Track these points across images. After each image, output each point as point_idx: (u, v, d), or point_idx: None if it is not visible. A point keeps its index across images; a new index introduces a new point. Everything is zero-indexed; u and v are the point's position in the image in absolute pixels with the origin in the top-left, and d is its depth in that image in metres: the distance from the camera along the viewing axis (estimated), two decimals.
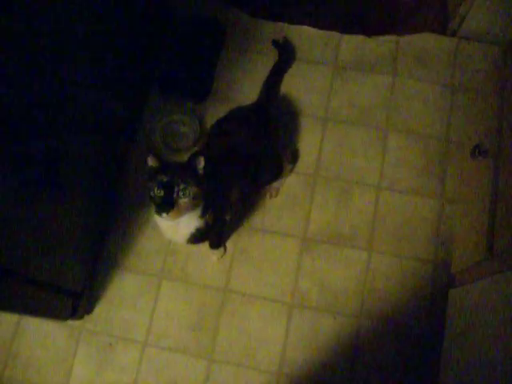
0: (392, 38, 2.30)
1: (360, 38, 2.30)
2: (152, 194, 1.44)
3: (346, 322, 1.96)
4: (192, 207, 1.48)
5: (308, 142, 2.17)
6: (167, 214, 1.42)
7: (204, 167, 1.47)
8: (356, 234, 2.05)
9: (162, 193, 1.42)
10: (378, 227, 2.06)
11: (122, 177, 2.14)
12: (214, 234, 1.82)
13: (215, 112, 2.19)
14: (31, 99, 1.39)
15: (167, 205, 1.42)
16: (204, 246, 1.96)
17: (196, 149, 2.08)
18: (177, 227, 1.57)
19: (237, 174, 1.74)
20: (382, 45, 2.29)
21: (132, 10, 1.99)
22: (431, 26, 2.31)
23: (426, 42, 2.29)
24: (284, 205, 2.09)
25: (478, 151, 1.76)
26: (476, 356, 1.53)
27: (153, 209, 1.45)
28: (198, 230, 1.59)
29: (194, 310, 2.00)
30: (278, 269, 2.03)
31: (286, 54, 2.24)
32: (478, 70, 2.23)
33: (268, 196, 2.10)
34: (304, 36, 2.32)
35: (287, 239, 2.05)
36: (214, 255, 2.04)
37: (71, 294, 1.87)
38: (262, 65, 2.26)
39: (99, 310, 2.01)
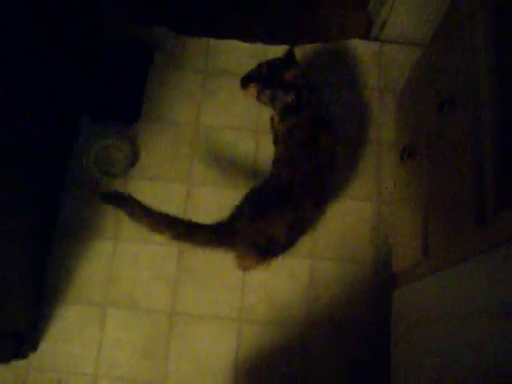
0: (317, 45, 2.33)
1: (286, 48, 2.32)
2: (253, 69, 1.99)
3: (295, 332, 1.97)
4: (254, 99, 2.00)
5: (243, 154, 2.17)
6: (242, 88, 1.99)
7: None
8: (297, 242, 2.06)
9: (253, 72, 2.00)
10: (318, 234, 2.08)
11: (56, 207, 2.09)
12: None
13: (148, 132, 2.17)
14: None
15: (243, 82, 1.99)
16: (151, 270, 1.96)
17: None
18: None
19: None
20: (307, 55, 2.31)
21: (57, 37, 1.94)
22: (355, 32, 2.35)
23: (351, 47, 2.33)
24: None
25: (406, 154, 1.80)
26: (421, 352, 1.57)
27: None
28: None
29: (142, 336, 1.97)
30: (223, 285, 2.02)
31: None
32: (402, 71, 2.28)
33: None
34: (231, 50, 2.32)
35: (228, 254, 2.04)
36: (169, 263, 2.04)
37: (11, 334, 1.82)
38: (192, 82, 2.26)
39: (44, 346, 1.96)
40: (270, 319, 1.99)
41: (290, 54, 1.96)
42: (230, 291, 2.01)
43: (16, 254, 1.81)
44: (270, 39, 2.33)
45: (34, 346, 1.94)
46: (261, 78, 1.89)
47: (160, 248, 2.03)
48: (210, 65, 2.30)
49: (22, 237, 1.84)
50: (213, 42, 2.33)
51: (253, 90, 1.90)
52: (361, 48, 2.33)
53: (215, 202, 2.10)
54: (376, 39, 2.33)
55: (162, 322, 1.98)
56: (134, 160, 2.13)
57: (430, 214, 1.61)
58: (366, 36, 2.35)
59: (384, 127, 2.22)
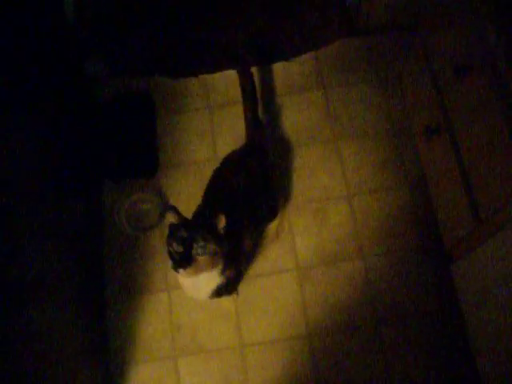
0: (309, 55, 2.37)
1: (280, 64, 2.36)
2: (171, 249, 1.44)
3: (368, 333, 1.96)
4: (211, 265, 1.48)
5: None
6: (184, 269, 1.42)
7: (225, 226, 1.47)
8: (344, 246, 2.07)
9: (180, 248, 1.42)
10: (361, 232, 2.09)
11: (103, 269, 2.10)
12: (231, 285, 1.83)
13: (172, 179, 2.20)
14: None
15: (185, 261, 1.42)
16: (209, 311, 1.99)
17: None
18: (198, 285, 1.57)
19: (245, 221, 1.71)
20: (302, 64, 2.35)
21: (58, 111, 1.98)
22: (341, 33, 2.39)
23: (341, 48, 2.37)
24: (268, 243, 2.10)
25: (429, 131, 1.82)
26: (500, 315, 1.57)
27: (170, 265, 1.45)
28: (219, 286, 1.60)
29: (219, 376, 1.95)
30: (284, 307, 2.01)
31: (248, 68, 2.05)
32: (397, 57, 2.32)
33: (271, 240, 2.09)
34: (229, 79, 2.35)
35: (283, 275, 2.05)
36: (226, 301, 2.03)
37: None
38: (199, 120, 2.30)
39: None
40: (339, 327, 1.98)
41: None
42: (291, 311, 2.01)
43: (68, 326, 1.81)
44: (265, 60, 2.36)
45: None
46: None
47: None
48: (212, 99, 2.33)
49: (67, 306, 1.84)
50: (208, 77, 2.37)
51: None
52: (350, 46, 2.37)
53: None
54: (364, 34, 2.37)
55: (233, 358, 1.97)
56: (164, 209, 2.14)
57: (473, 181, 1.62)
58: (352, 33, 2.39)
59: (394, 115, 2.24)
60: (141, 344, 2.01)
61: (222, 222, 1.46)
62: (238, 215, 1.69)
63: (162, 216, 2.14)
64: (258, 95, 2.06)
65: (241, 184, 1.76)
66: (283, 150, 2.22)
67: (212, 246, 1.44)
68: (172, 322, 2.03)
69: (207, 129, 2.28)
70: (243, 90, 2.02)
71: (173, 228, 1.47)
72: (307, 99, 2.29)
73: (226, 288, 1.66)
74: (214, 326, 2.01)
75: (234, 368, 1.96)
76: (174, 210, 1.49)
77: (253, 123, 1.98)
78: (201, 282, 1.55)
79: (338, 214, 2.12)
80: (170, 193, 2.18)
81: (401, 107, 2.25)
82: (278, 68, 2.36)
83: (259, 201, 1.81)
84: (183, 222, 1.48)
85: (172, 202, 2.16)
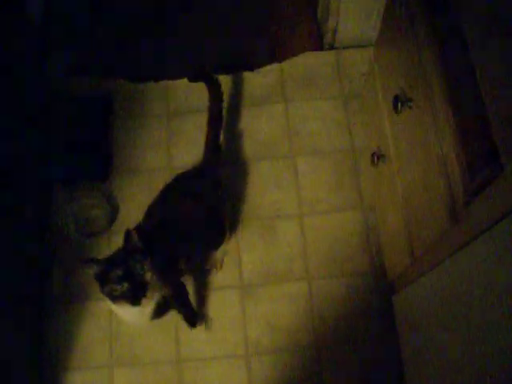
0: (274, 66, 2.33)
1: (244, 74, 2.32)
2: (116, 294, 1.40)
3: (306, 355, 1.94)
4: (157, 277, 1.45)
5: None
6: (146, 297, 1.42)
7: (140, 239, 1.44)
8: (291, 266, 2.04)
9: (126, 285, 1.39)
10: (310, 253, 2.05)
11: (45, 276, 2.07)
12: (181, 308, 1.83)
13: (124, 185, 2.17)
14: None
15: (140, 292, 1.40)
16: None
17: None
18: (139, 310, 1.51)
19: (182, 239, 1.67)
20: (266, 75, 2.31)
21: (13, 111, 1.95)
22: (308, 46, 2.35)
23: (307, 61, 2.33)
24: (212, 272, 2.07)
25: (376, 157, 1.79)
26: (429, 344, 1.54)
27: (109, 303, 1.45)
28: (158, 304, 1.56)
29: None
30: (224, 324, 1.99)
31: (217, 88, 1.96)
32: (362, 74, 2.27)
33: (214, 271, 2.05)
34: (190, 87, 2.31)
35: (225, 291, 2.02)
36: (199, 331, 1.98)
37: None
38: (157, 126, 2.26)
39: None
40: (278, 348, 1.96)
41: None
42: (231, 328, 1.98)
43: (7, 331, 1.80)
44: (225, 69, 2.32)
45: None
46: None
47: None
48: (172, 106, 2.30)
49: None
50: (169, 83, 2.33)
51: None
52: (316, 60, 2.33)
53: None
54: (330, 48, 2.33)
55: (170, 372, 1.95)
56: (113, 215, 2.12)
57: (410, 216, 1.59)
58: (319, 47, 2.34)
59: (355, 134, 2.20)
60: (77, 351, 1.99)
61: (134, 237, 1.43)
62: (177, 235, 1.66)
63: (110, 222, 2.11)
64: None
65: (189, 206, 1.73)
66: (238, 162, 2.19)
67: (146, 261, 1.41)
68: (111, 330, 2.01)
69: (163, 136, 2.24)
70: (210, 109, 1.94)
71: (102, 276, 1.41)
72: (267, 112, 2.25)
73: (167, 306, 1.64)
74: (153, 337, 1.99)
75: (169, 382, 1.94)
76: (88, 261, 1.44)
77: (213, 147, 1.92)
78: (141, 306, 1.49)
79: (287, 232, 2.08)
80: (121, 199, 2.15)
81: (361, 126, 2.20)
82: (240, 78, 2.32)
83: (205, 227, 1.78)
84: (108, 264, 1.42)
85: (122, 209, 2.13)
